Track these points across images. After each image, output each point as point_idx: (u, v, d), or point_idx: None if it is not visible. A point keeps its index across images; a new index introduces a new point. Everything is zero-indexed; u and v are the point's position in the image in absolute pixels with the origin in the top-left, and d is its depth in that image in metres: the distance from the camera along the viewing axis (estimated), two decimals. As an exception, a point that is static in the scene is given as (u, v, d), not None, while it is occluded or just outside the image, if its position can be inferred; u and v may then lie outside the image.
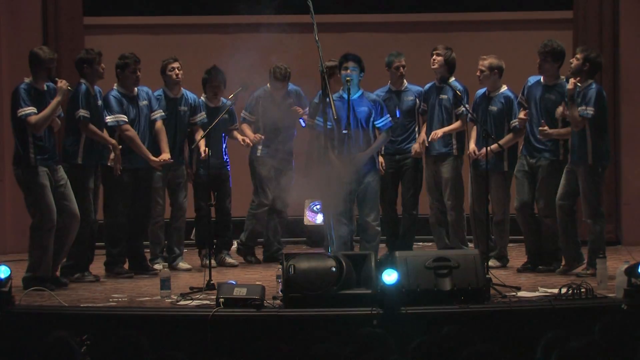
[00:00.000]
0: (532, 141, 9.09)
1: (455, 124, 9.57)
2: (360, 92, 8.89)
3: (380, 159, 9.46)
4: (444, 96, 9.59)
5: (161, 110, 9.49)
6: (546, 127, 8.87)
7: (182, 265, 9.60)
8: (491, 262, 8.89)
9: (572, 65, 8.78)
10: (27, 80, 8.55)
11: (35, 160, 8.42)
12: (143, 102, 9.38)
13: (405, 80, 9.86)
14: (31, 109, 8.43)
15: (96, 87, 9.05)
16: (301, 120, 10.01)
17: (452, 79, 9.45)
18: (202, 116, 9.69)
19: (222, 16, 11.13)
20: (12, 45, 10.90)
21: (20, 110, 8.42)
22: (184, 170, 9.72)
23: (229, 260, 9.82)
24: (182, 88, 9.71)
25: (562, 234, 8.87)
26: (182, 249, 9.74)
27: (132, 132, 9.19)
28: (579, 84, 8.67)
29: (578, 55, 8.76)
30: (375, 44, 10.96)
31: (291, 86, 10.01)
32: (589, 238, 8.75)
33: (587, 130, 8.70)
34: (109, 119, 9.14)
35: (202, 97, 9.85)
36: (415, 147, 9.73)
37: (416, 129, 9.85)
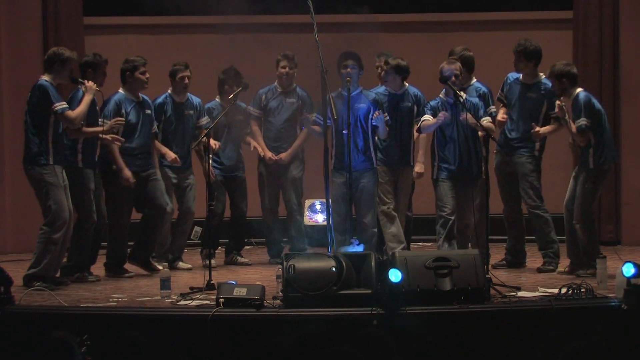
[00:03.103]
0: (507, 137, 9.14)
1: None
2: (358, 90, 8.89)
3: None
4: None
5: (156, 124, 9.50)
6: (537, 128, 8.89)
7: (182, 265, 9.62)
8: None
9: (556, 89, 8.71)
10: (46, 78, 8.52)
11: (55, 160, 8.42)
12: (147, 111, 9.37)
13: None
14: (65, 104, 8.46)
15: None
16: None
17: (474, 80, 9.22)
18: (206, 120, 9.70)
19: (222, 16, 11.12)
20: (12, 45, 10.89)
21: (55, 105, 8.39)
22: (192, 173, 9.73)
23: (241, 260, 9.90)
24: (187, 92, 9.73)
25: (568, 238, 8.86)
26: (182, 250, 9.77)
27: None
28: (563, 105, 8.65)
29: (550, 79, 8.74)
30: (375, 44, 10.94)
31: (300, 90, 9.98)
32: (580, 244, 8.70)
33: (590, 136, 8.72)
34: (100, 121, 9.03)
35: (216, 98, 9.85)
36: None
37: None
